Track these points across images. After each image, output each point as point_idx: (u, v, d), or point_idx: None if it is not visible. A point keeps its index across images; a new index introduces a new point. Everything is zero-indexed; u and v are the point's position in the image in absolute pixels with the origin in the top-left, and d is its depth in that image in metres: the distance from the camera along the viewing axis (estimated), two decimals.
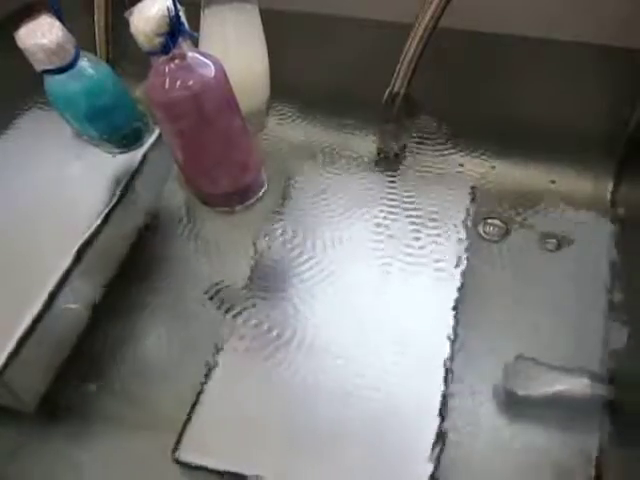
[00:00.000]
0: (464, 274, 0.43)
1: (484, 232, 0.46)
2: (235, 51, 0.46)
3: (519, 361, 0.38)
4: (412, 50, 0.51)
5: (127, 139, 0.49)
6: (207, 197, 0.47)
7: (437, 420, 0.36)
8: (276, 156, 0.52)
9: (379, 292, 0.42)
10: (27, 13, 0.39)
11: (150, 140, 0.51)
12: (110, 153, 0.49)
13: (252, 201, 0.47)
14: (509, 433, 0.36)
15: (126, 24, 0.35)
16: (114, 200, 0.49)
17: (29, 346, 0.41)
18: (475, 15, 0.57)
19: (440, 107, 0.55)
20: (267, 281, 0.44)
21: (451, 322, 0.40)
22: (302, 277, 0.44)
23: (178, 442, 0.37)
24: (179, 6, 0.35)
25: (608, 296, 0.41)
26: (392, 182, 0.49)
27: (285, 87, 0.52)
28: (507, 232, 0.46)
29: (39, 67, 0.40)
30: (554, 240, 0.45)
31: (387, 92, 0.55)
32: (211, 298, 0.44)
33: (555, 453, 0.35)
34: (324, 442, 0.36)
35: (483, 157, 0.51)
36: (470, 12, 0.54)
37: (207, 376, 0.39)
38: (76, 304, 0.44)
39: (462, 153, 0.51)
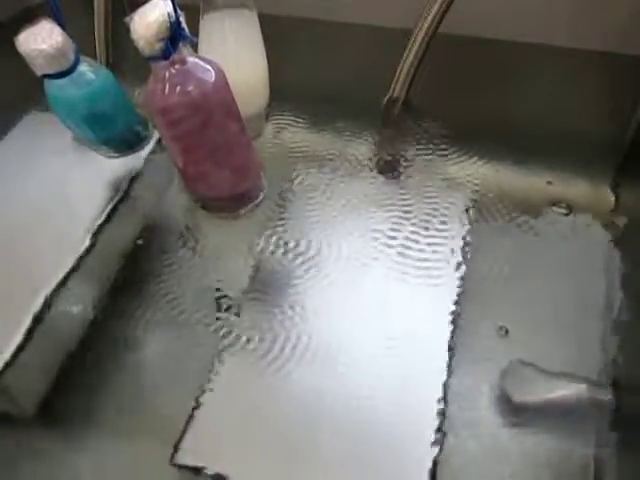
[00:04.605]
0: (463, 279, 0.43)
1: (483, 236, 0.46)
2: (234, 56, 0.46)
3: (518, 366, 0.38)
4: (412, 55, 0.51)
5: (127, 143, 0.49)
6: (207, 202, 0.47)
7: (435, 426, 0.36)
8: (275, 161, 0.52)
9: (378, 297, 0.42)
10: (27, 17, 0.39)
11: (150, 144, 0.51)
12: (110, 157, 0.49)
13: (252, 206, 0.48)
14: (508, 439, 0.36)
15: (126, 29, 0.35)
16: (114, 204, 0.49)
17: (28, 351, 0.41)
18: (475, 21, 0.57)
19: (440, 112, 0.55)
20: (267, 286, 0.44)
21: (450, 327, 0.40)
22: (302, 282, 0.44)
23: (177, 446, 0.37)
24: (179, 11, 0.35)
25: (607, 300, 0.41)
26: (392, 187, 0.49)
27: (284, 92, 0.52)
28: (507, 237, 0.46)
29: (39, 72, 0.40)
30: (554, 244, 0.45)
31: (387, 97, 0.55)
32: (211, 303, 0.44)
33: (554, 459, 0.35)
34: (322, 449, 0.36)
35: (483, 161, 0.51)
36: (470, 18, 0.54)
37: (207, 381, 0.39)
38: (75, 309, 0.44)
39: (462, 158, 0.51)
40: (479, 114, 0.54)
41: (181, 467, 0.36)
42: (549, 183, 0.49)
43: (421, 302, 0.42)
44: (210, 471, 0.35)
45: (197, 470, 0.36)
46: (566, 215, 0.46)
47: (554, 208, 0.47)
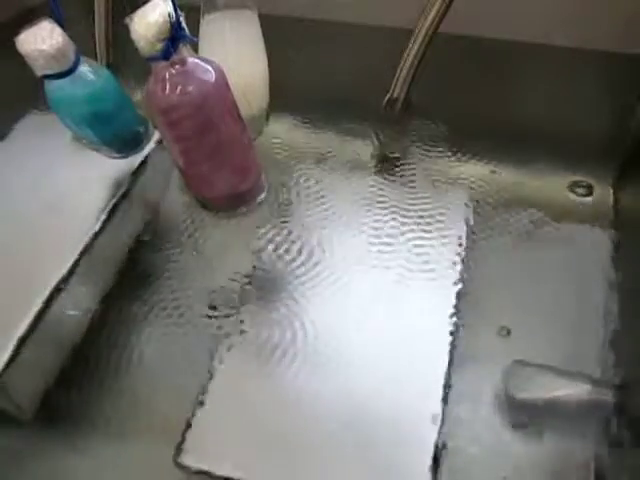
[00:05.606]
0: (464, 279, 0.43)
1: (483, 236, 0.46)
2: (235, 57, 0.46)
3: (519, 365, 0.38)
4: (412, 55, 0.51)
5: (127, 144, 0.48)
6: (207, 201, 0.47)
7: (436, 426, 0.36)
8: (276, 161, 0.52)
9: (378, 297, 0.43)
10: (28, 18, 0.39)
11: (150, 144, 0.51)
12: (110, 157, 0.49)
13: (252, 206, 0.48)
14: (509, 438, 0.36)
15: (126, 29, 0.35)
16: (114, 204, 0.49)
17: (27, 351, 0.40)
18: (475, 21, 0.57)
19: (440, 111, 0.55)
20: (267, 286, 0.44)
21: (450, 326, 0.40)
22: (302, 282, 0.44)
23: (179, 447, 0.37)
24: (180, 11, 0.35)
25: (608, 300, 0.41)
26: (392, 186, 0.49)
27: (285, 92, 0.52)
28: (507, 237, 0.46)
29: (39, 72, 0.40)
30: (555, 244, 0.45)
31: (387, 97, 0.55)
32: (211, 303, 0.44)
33: (555, 459, 0.35)
34: (323, 447, 0.36)
35: (482, 161, 0.51)
36: (470, 18, 0.54)
37: (208, 381, 0.39)
38: (75, 309, 0.44)
39: (462, 157, 0.51)
40: (479, 114, 0.54)
41: (184, 468, 0.36)
42: (549, 183, 0.49)
43: (421, 302, 0.42)
44: (213, 471, 0.36)
45: (200, 471, 0.36)
46: (566, 215, 0.46)
47: (554, 207, 0.47)
